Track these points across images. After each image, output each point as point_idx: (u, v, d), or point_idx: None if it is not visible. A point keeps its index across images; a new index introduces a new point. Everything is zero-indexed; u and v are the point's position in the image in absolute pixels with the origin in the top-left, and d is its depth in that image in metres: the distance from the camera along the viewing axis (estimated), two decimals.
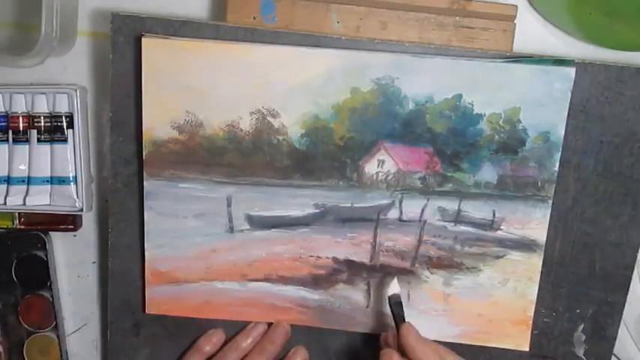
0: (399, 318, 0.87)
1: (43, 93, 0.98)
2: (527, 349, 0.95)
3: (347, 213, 0.92)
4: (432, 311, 0.94)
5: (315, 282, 0.95)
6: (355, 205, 0.91)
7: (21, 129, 0.99)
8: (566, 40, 0.96)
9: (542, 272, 0.93)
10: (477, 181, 0.90)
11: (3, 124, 0.99)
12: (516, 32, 0.91)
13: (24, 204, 0.99)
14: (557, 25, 0.95)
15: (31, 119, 0.98)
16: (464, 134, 0.88)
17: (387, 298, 0.89)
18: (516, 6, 0.90)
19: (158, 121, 0.90)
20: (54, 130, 0.98)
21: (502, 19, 0.91)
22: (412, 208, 0.92)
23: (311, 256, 0.94)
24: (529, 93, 0.87)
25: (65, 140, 0.98)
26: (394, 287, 0.89)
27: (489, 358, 0.97)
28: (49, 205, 1.00)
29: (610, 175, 0.91)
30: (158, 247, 0.94)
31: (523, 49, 0.92)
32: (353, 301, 0.95)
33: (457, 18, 0.91)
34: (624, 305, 0.95)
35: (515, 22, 0.91)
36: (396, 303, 0.88)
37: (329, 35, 0.89)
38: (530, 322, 0.94)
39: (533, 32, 0.96)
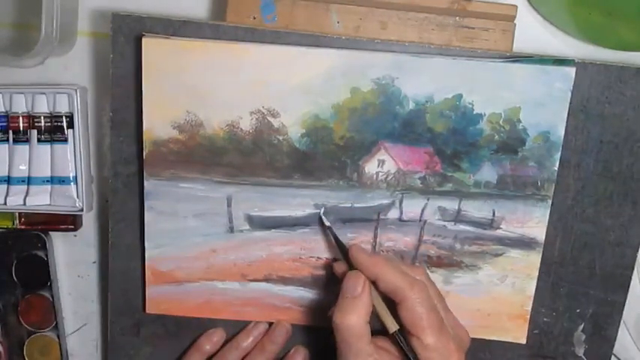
0: (343, 245, 0.89)
1: (43, 93, 0.98)
2: (525, 341, 0.96)
3: (347, 213, 0.92)
4: None
5: (315, 282, 0.95)
6: (355, 205, 0.91)
7: (21, 129, 0.99)
8: (566, 40, 0.96)
9: (542, 272, 0.93)
10: (477, 180, 0.90)
11: (3, 124, 0.99)
12: (516, 32, 0.91)
13: (24, 204, 0.99)
14: (557, 25, 0.95)
15: (31, 119, 0.98)
16: (464, 134, 0.88)
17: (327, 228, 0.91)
18: (516, 6, 0.90)
19: (158, 121, 0.90)
20: (54, 130, 0.98)
21: (502, 19, 0.91)
22: (412, 207, 0.92)
23: (311, 257, 0.94)
24: (529, 93, 0.87)
25: (65, 140, 0.98)
26: (326, 220, 0.91)
27: (490, 357, 0.97)
28: (49, 205, 1.00)
29: (610, 175, 0.91)
30: (158, 247, 0.94)
31: (523, 49, 0.92)
32: None
33: (457, 18, 0.91)
34: (624, 305, 0.95)
35: (515, 22, 0.91)
36: (334, 234, 0.90)
37: (329, 35, 0.89)
38: (528, 317, 0.95)
39: (533, 32, 0.96)
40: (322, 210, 0.91)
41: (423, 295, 0.81)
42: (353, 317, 0.82)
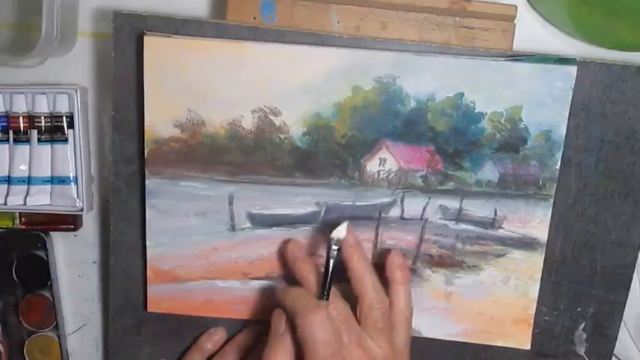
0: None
1: (44, 93, 0.98)
2: (529, 347, 0.95)
3: (348, 211, 0.92)
4: (434, 310, 0.94)
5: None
6: (357, 203, 0.91)
7: (21, 129, 0.99)
8: (566, 40, 0.96)
9: (543, 271, 0.92)
10: (479, 179, 0.90)
11: (3, 124, 0.99)
12: (516, 32, 0.91)
13: (24, 204, 0.99)
14: (557, 25, 0.95)
15: (31, 119, 0.99)
16: (465, 133, 0.88)
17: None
18: (516, 6, 0.91)
19: (160, 120, 0.90)
20: (54, 130, 0.98)
21: (502, 19, 0.91)
22: (414, 206, 0.92)
23: (312, 255, 0.94)
24: (530, 91, 0.87)
25: (66, 140, 0.98)
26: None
27: (491, 356, 0.97)
28: (50, 205, 1.00)
29: (611, 174, 0.91)
30: (159, 246, 0.94)
31: (523, 49, 0.92)
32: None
33: (457, 18, 0.91)
34: (625, 304, 0.95)
35: (515, 22, 0.91)
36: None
37: (331, 34, 0.89)
38: (532, 321, 0.94)
39: (533, 32, 0.96)
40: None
41: (315, 323, 0.80)
42: (277, 356, 0.82)
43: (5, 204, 1.00)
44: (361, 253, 0.87)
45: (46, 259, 1.04)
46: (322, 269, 0.85)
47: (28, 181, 1.00)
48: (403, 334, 0.87)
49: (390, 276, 0.89)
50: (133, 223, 0.96)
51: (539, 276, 0.93)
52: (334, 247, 0.84)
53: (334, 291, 0.85)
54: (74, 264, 1.07)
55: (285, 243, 0.92)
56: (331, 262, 0.83)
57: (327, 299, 0.83)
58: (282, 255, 0.94)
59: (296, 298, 0.84)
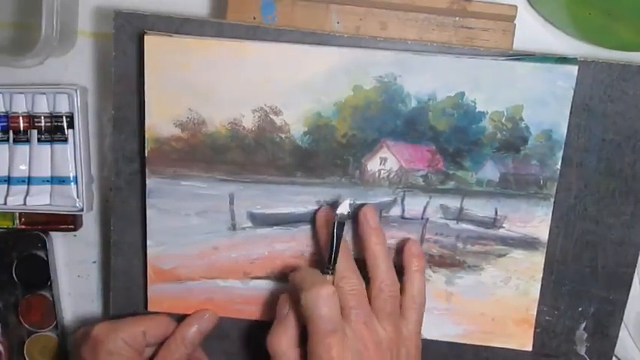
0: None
1: (44, 93, 0.98)
2: (530, 348, 0.95)
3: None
4: (435, 310, 0.94)
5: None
6: (357, 202, 0.91)
7: (21, 129, 0.99)
8: (566, 40, 0.96)
9: (544, 270, 0.92)
10: (480, 179, 0.90)
11: (3, 124, 0.99)
12: (516, 32, 0.91)
13: (24, 204, 1.00)
14: (557, 25, 0.95)
15: (31, 119, 0.99)
16: (466, 132, 0.88)
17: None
18: (516, 6, 0.91)
19: (160, 119, 0.90)
20: (54, 130, 0.98)
21: (502, 19, 0.91)
22: (414, 205, 0.91)
23: (313, 254, 0.94)
24: (531, 91, 0.86)
25: (65, 140, 0.99)
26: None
27: (491, 355, 0.97)
28: (50, 205, 1.00)
29: (612, 174, 0.91)
30: (160, 245, 0.94)
31: (523, 49, 0.92)
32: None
33: (457, 18, 0.91)
34: (626, 303, 0.95)
35: (515, 22, 0.91)
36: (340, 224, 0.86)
37: (331, 33, 0.89)
38: (533, 322, 0.94)
39: (533, 32, 0.96)
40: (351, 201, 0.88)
41: (319, 297, 0.80)
42: (281, 341, 0.84)
43: (5, 204, 1.00)
44: (380, 235, 0.88)
45: (45, 259, 1.04)
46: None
47: (28, 181, 1.00)
48: (412, 321, 0.88)
49: (406, 263, 0.90)
50: (134, 223, 0.96)
51: (540, 275, 0.92)
52: (338, 223, 0.85)
53: (352, 266, 0.87)
54: (74, 264, 1.07)
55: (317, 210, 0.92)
56: (335, 238, 0.85)
57: (332, 274, 0.85)
58: (283, 254, 0.94)
59: (303, 274, 0.85)
